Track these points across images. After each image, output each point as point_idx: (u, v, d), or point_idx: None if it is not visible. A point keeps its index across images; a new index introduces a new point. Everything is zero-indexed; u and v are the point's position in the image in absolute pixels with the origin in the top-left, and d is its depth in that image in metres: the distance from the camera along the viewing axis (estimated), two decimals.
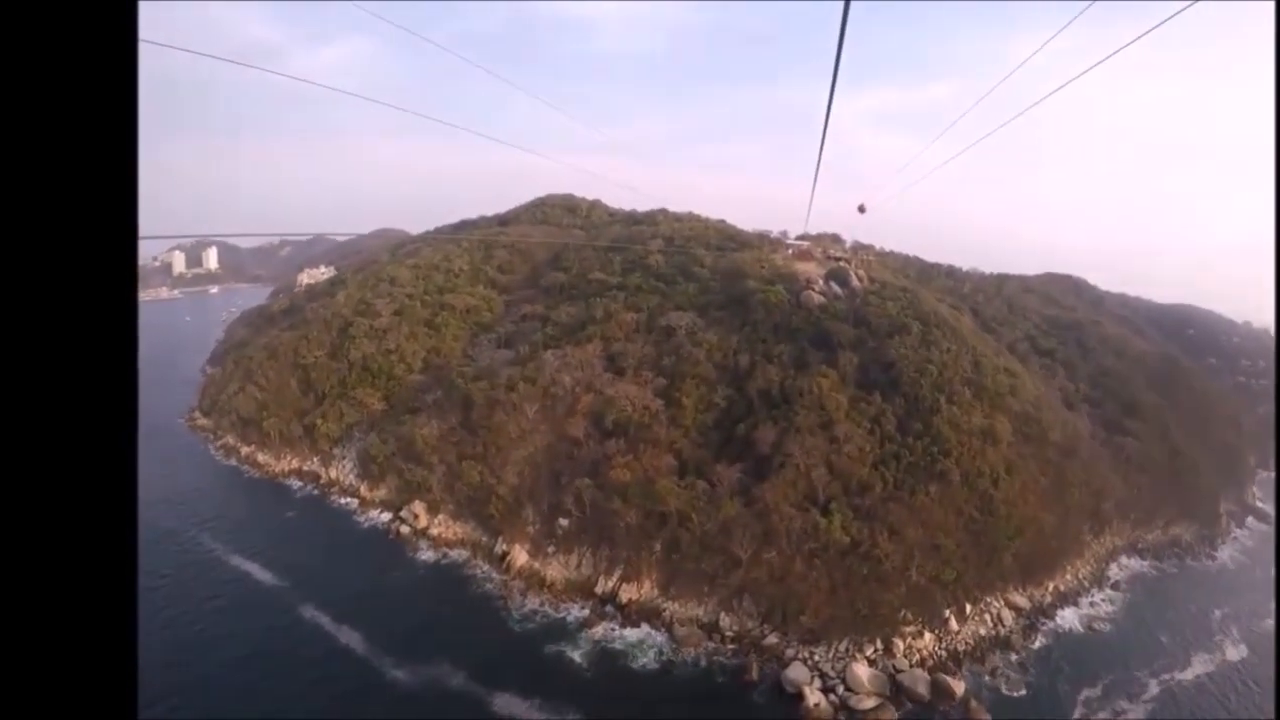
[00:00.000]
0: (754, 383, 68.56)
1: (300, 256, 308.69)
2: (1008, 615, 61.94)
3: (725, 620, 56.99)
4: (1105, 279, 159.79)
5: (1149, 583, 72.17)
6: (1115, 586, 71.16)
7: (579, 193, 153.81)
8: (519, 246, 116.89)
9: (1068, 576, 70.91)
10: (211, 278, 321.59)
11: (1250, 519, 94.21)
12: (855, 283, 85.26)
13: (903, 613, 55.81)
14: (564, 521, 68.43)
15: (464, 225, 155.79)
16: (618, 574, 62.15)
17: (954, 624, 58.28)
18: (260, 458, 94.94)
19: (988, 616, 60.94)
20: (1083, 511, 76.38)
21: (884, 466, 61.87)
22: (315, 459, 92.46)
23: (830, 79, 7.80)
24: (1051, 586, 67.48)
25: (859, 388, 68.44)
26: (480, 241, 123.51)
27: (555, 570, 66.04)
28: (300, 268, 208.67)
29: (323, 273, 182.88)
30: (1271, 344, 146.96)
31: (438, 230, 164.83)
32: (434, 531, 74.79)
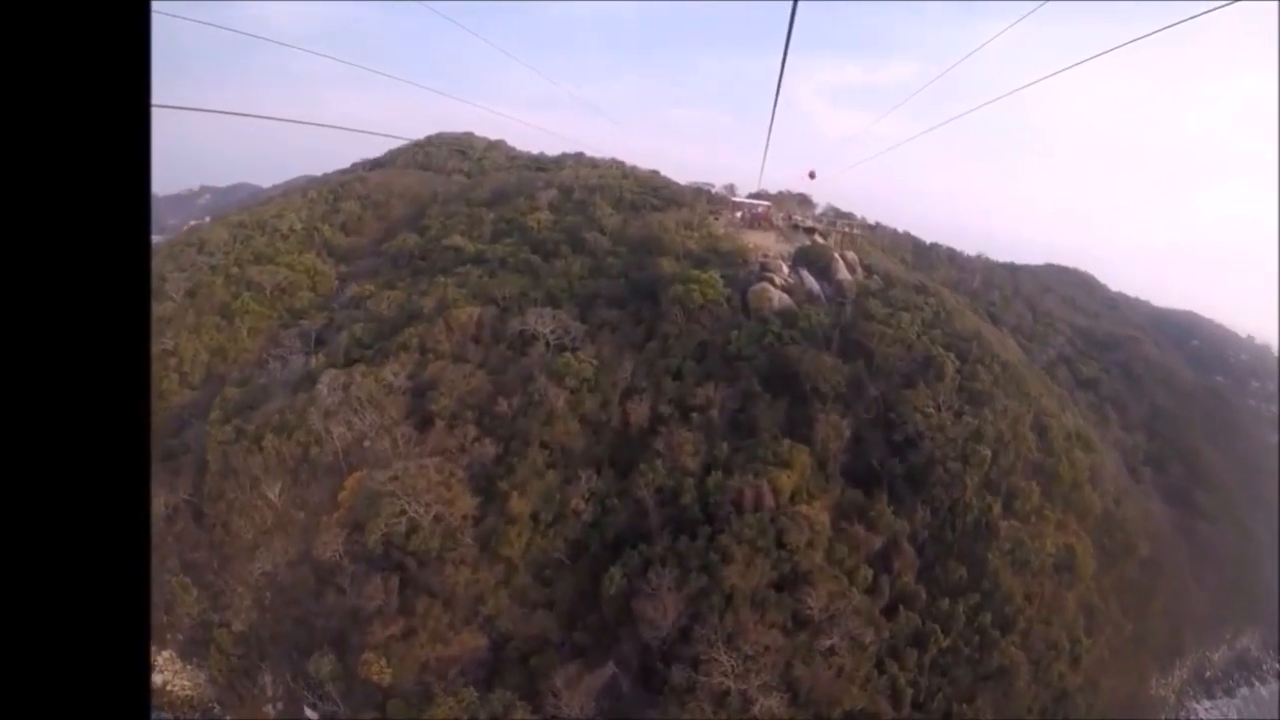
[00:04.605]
0: (652, 472, 33.42)
1: (219, 205, 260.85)
2: None
3: None
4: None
5: None
6: None
7: (513, 141, 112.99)
8: (373, 199, 78.39)
9: None
10: None
11: None
12: (843, 273, 50.42)
13: None
14: (312, 715, 34.31)
15: (350, 173, 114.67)
16: None
17: None
18: None
19: None
20: (1160, 648, 47.52)
21: (897, 664, 28.66)
22: None
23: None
24: None
25: (851, 482, 34.43)
26: (330, 191, 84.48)
27: None
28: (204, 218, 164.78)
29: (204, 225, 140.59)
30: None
31: (325, 177, 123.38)
32: (156, 679, 41.19)
